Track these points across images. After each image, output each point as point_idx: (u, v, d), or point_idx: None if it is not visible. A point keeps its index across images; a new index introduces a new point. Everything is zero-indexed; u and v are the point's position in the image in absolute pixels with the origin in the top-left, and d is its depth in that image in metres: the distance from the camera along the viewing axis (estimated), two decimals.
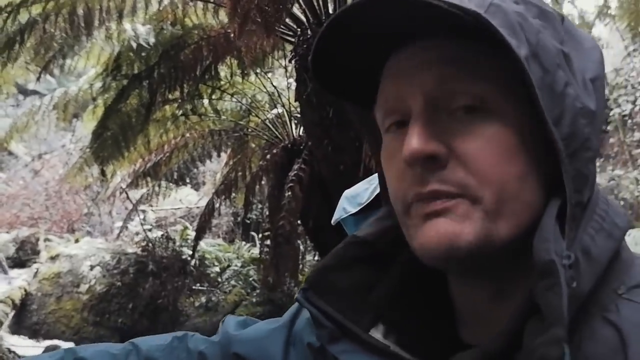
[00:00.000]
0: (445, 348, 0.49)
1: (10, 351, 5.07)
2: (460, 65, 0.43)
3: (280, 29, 4.29)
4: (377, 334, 0.50)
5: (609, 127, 7.13)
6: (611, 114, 7.07)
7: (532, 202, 0.44)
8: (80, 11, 4.76)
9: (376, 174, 2.11)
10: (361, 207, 1.94)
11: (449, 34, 0.43)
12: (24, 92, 10.96)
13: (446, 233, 0.42)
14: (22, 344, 5.49)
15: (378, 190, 1.90)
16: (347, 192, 2.14)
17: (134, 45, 5.10)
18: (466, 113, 0.43)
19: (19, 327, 6.07)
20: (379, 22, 0.45)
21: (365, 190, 1.97)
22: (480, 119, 0.43)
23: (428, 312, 0.51)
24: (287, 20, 4.36)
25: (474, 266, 0.45)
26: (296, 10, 4.37)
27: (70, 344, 5.51)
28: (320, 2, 4.24)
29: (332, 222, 2.19)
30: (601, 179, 7.27)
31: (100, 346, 0.63)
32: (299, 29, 4.38)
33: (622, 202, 6.87)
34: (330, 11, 4.27)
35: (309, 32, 4.23)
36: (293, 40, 4.45)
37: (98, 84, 5.82)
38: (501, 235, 0.43)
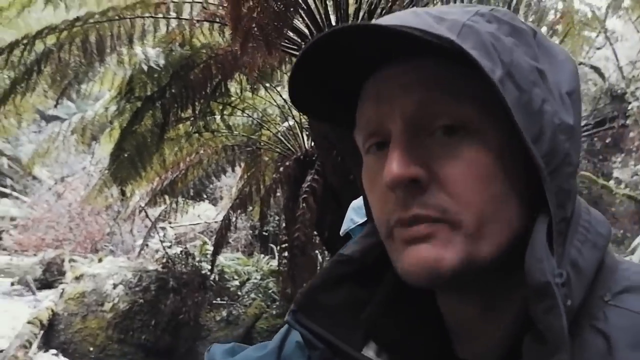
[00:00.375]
0: None
1: None
2: (440, 88, 0.43)
3: (285, 44, 4.36)
4: (369, 352, 0.51)
5: (627, 122, 6.97)
6: (629, 107, 6.92)
7: (512, 221, 0.44)
8: (92, 39, 4.92)
9: None
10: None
11: (427, 53, 0.43)
12: (45, 118, 11.29)
13: (427, 259, 0.43)
14: None
15: None
16: (354, 203, 2.17)
17: (145, 67, 5.24)
18: (446, 135, 0.44)
19: (48, 347, 6.21)
20: (355, 47, 0.44)
21: None
22: (460, 141, 0.43)
23: (419, 327, 0.51)
24: (291, 34, 4.44)
25: (459, 285, 0.46)
26: (299, 24, 4.44)
27: None
28: (323, 15, 4.31)
29: (340, 233, 2.22)
30: (624, 175, 7.11)
31: None
32: (303, 43, 4.45)
33: None
34: (333, 23, 4.34)
35: None
36: (297, 53, 4.51)
37: (113, 107, 5.98)
38: (483, 256, 0.43)
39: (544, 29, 5.83)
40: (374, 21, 0.44)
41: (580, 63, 6.81)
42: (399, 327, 0.51)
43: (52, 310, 6.37)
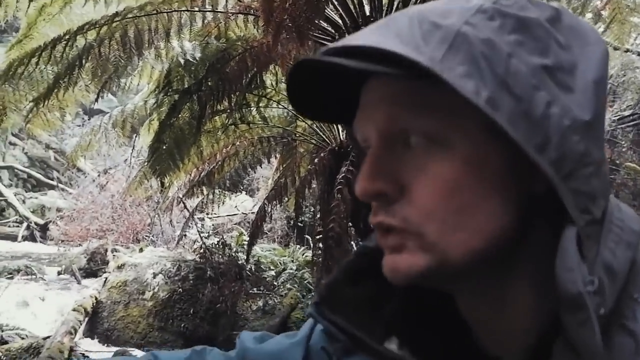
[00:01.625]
0: (462, 358, 0.50)
1: (84, 356, 5.43)
2: (408, 104, 0.44)
3: (317, 35, 4.33)
4: (391, 345, 0.51)
5: None
6: None
7: (487, 228, 0.44)
8: (131, 33, 5.02)
9: None
10: None
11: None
12: (88, 112, 11.66)
13: (399, 267, 0.45)
14: (93, 349, 5.84)
15: None
16: None
17: (182, 61, 5.32)
18: (416, 147, 0.44)
19: (92, 333, 6.46)
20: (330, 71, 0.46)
21: None
22: (433, 153, 0.44)
23: (440, 322, 0.52)
24: (324, 24, 4.40)
25: (444, 284, 0.48)
26: (333, 14, 4.40)
27: (134, 351, 5.81)
28: (357, 5, 4.24)
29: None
30: None
31: (120, 359, 0.68)
32: (336, 33, 4.41)
33: None
34: (367, 13, 4.27)
35: (346, 35, 4.25)
36: (330, 44, 4.48)
37: (151, 100, 6.11)
38: (454, 262, 0.44)
39: (589, 15, 5.57)
40: (359, 34, 0.44)
41: (627, 50, 6.50)
42: (421, 322, 0.52)
43: (96, 299, 6.60)
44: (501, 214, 0.44)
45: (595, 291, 0.39)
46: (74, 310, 6.11)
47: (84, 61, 5.17)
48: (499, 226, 0.44)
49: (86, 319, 6.28)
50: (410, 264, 0.45)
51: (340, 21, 4.34)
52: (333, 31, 4.47)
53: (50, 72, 5.36)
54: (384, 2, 4.24)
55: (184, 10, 5.08)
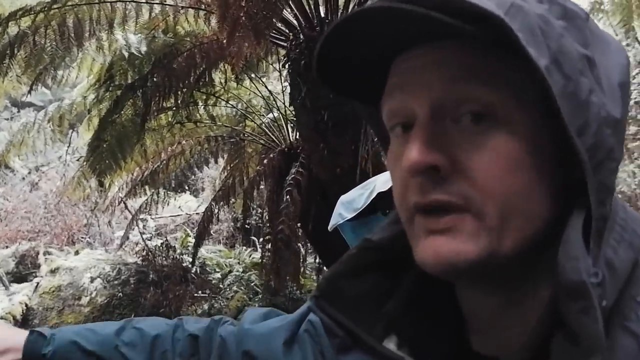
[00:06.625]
0: (460, 359, 0.48)
1: None
2: (472, 69, 0.41)
3: (272, 34, 4.26)
4: (390, 344, 0.50)
5: None
6: None
7: (538, 216, 0.42)
8: (70, 23, 4.74)
9: (370, 180, 2.09)
10: (357, 212, 1.93)
11: (466, 34, 0.41)
12: (18, 104, 10.95)
13: (447, 253, 0.42)
14: None
15: (373, 196, 1.89)
16: (343, 198, 2.13)
17: (126, 54, 5.08)
18: (473, 121, 0.42)
19: None
20: (389, 25, 0.42)
21: (360, 195, 1.96)
22: (486, 128, 0.41)
23: (440, 323, 0.51)
24: (279, 24, 4.34)
25: (478, 278, 0.45)
26: (288, 14, 4.34)
27: None
28: (312, 6, 4.21)
29: (329, 228, 2.18)
30: None
31: (156, 319, 0.73)
32: (291, 34, 4.36)
33: (620, 195, 6.82)
34: (322, 14, 4.25)
35: (301, 36, 4.21)
36: (286, 44, 4.43)
37: (92, 95, 5.80)
38: (505, 250, 0.42)
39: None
40: None
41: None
42: (421, 322, 0.51)
43: (26, 305, 6.21)
44: (550, 202, 0.43)
45: (599, 283, 0.38)
46: (1, 318, 5.71)
47: (16, 50, 4.83)
48: (547, 215, 0.42)
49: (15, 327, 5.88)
50: (460, 250, 0.41)
51: (295, 22, 4.29)
52: (287, 31, 4.41)
53: None
54: (339, 3, 4.24)
55: (129, 1, 4.85)
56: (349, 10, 4.14)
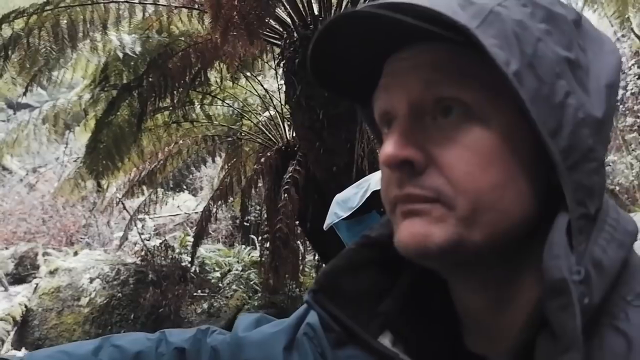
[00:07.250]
0: (452, 358, 0.49)
1: None
2: (449, 71, 0.43)
3: (266, 33, 4.25)
4: (385, 341, 0.50)
5: None
6: None
7: (513, 212, 0.43)
8: (63, 24, 4.72)
9: (365, 178, 2.09)
10: (352, 211, 1.93)
11: (447, 37, 0.43)
12: (14, 106, 10.92)
13: (417, 234, 0.43)
14: None
15: (368, 194, 1.89)
16: (338, 197, 2.13)
17: (121, 55, 5.06)
18: (448, 119, 0.43)
19: (21, 344, 6.04)
20: (374, 28, 0.44)
21: (355, 194, 1.96)
22: (462, 125, 0.43)
23: (435, 321, 0.51)
24: (273, 23, 4.32)
25: (453, 267, 0.46)
26: (281, 13, 4.33)
27: None
28: (306, 4, 4.20)
29: (324, 227, 2.18)
30: None
31: (136, 334, 0.67)
32: (285, 32, 4.34)
33: (617, 187, 6.81)
34: (316, 12, 4.23)
35: (295, 34, 4.19)
36: (280, 43, 4.41)
37: (87, 96, 5.78)
38: (474, 241, 0.43)
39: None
40: None
41: None
42: (416, 320, 0.51)
43: (26, 306, 6.20)
44: (526, 199, 0.43)
45: (581, 281, 0.39)
46: (1, 319, 5.71)
47: (10, 52, 4.81)
48: (522, 212, 0.43)
49: (15, 328, 5.89)
50: (430, 232, 0.43)
51: (288, 20, 4.28)
52: (281, 30, 4.40)
53: None
54: (332, 1, 4.22)
55: (122, 2, 4.83)
56: (342, 8, 4.13)
